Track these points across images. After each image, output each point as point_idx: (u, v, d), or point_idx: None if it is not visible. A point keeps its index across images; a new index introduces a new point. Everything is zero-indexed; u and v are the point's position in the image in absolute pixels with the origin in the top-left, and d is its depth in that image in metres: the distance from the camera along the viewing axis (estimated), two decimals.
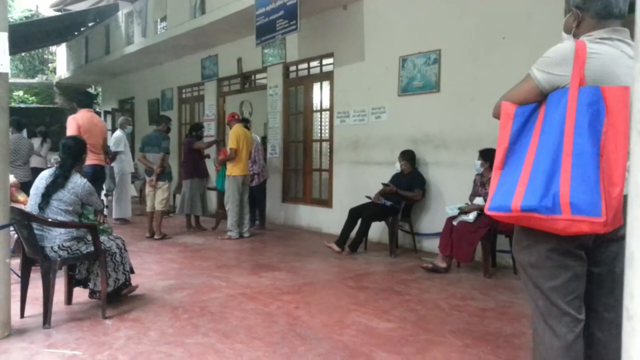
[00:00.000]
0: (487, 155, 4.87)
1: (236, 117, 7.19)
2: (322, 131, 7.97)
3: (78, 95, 6.43)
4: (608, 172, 1.54)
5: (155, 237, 6.80)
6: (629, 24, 1.60)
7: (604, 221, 1.51)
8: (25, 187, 5.48)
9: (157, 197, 6.85)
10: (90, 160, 5.45)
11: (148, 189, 6.99)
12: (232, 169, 6.85)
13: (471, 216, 4.83)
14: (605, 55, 1.67)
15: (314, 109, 8.03)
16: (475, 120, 5.46)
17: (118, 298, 3.84)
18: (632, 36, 1.04)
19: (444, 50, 5.92)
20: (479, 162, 5.03)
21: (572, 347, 1.75)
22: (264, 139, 8.66)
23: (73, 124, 5.71)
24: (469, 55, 5.66)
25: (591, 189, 1.53)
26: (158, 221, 6.84)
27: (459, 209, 5.01)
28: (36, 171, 4.97)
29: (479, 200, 4.92)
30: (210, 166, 8.19)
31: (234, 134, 6.85)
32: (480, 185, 5.06)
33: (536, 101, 1.73)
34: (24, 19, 19.41)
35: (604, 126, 1.56)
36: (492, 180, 1.77)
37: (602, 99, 1.57)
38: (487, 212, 1.74)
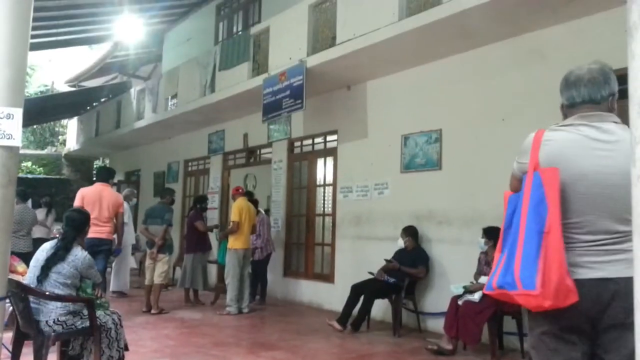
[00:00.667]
0: (491, 234, 4.85)
1: (240, 190, 7.26)
2: (325, 205, 8.00)
3: (97, 170, 6.43)
4: (550, 248, 1.66)
5: (153, 311, 6.64)
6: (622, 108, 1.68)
7: (539, 293, 1.62)
8: (26, 258, 5.43)
9: (157, 270, 6.76)
10: (96, 233, 5.42)
11: (148, 262, 6.92)
12: (234, 242, 6.81)
13: (477, 296, 4.73)
14: (559, 141, 1.80)
15: (318, 183, 8.12)
16: (477, 197, 5.50)
17: None
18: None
19: (445, 130, 6.07)
20: (482, 240, 4.99)
21: None
22: (267, 212, 8.69)
23: (79, 195, 5.85)
24: (470, 135, 5.79)
25: (530, 264, 1.66)
26: (156, 295, 6.71)
27: (464, 287, 4.91)
28: (40, 241, 4.96)
29: (484, 279, 4.83)
30: (212, 238, 8.15)
31: (237, 207, 6.88)
32: (485, 264, 4.99)
33: (520, 189, 1.86)
34: (39, 93, 20.17)
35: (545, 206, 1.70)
36: (494, 262, 1.86)
37: (542, 182, 1.73)
38: (484, 291, 1.88)
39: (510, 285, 1.69)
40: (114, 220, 5.96)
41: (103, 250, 5.71)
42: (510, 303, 1.93)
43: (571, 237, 1.76)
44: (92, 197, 5.81)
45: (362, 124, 7.15)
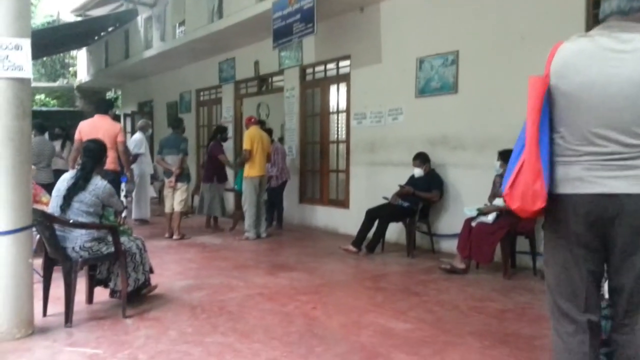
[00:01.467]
0: (506, 156, 4.80)
1: (253, 120, 7.24)
2: (339, 133, 7.97)
3: (96, 102, 6.35)
4: (525, 153, 1.75)
5: (174, 237, 6.87)
6: None
7: (507, 194, 1.78)
8: (47, 188, 5.57)
9: (176, 198, 6.93)
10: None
11: (167, 190, 7.08)
12: (249, 171, 6.89)
13: (490, 217, 4.79)
14: (567, 51, 1.79)
15: (331, 110, 8.04)
16: (494, 121, 5.41)
17: (138, 297, 3.88)
18: None
19: (462, 51, 5.88)
20: (498, 163, 4.98)
21: (571, 347, 1.76)
22: (281, 140, 8.70)
23: (77, 128, 5.88)
24: (487, 56, 5.61)
25: (510, 168, 1.80)
26: (177, 222, 6.92)
27: (478, 210, 4.97)
28: (59, 173, 5.05)
29: (498, 202, 4.87)
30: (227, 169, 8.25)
31: (249, 136, 6.90)
32: (500, 187, 5.00)
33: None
34: (45, 24, 19.80)
35: None
36: None
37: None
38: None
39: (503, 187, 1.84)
40: (117, 150, 5.92)
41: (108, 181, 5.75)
42: (524, 223, 2.00)
43: (576, 149, 1.73)
44: (88, 129, 5.81)
45: (376, 48, 6.95)
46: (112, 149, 5.80)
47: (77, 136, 5.79)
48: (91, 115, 6.22)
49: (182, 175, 6.96)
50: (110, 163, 5.72)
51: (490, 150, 5.32)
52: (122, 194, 7.67)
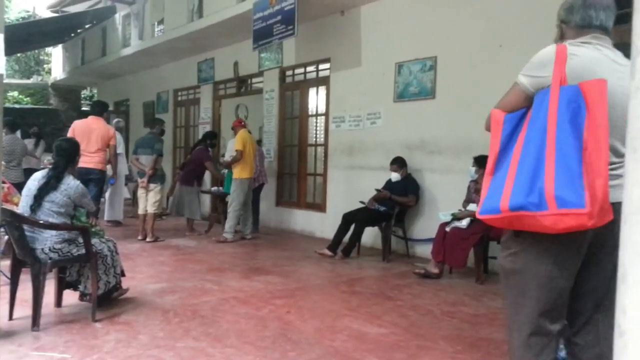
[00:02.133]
0: (481, 162, 4.88)
1: (242, 123, 7.21)
2: (318, 136, 7.97)
3: (91, 104, 6.58)
4: (591, 165, 1.55)
5: (148, 239, 6.77)
6: (622, 35, 1.63)
7: (589, 212, 1.51)
8: (17, 188, 5.45)
9: (150, 200, 6.82)
10: (84, 163, 5.47)
11: (140, 192, 6.97)
12: (241, 172, 6.88)
13: (464, 222, 4.84)
14: (585, 56, 1.73)
15: (310, 113, 8.04)
16: (470, 126, 5.48)
17: (108, 301, 3.80)
18: (628, 44, 1.05)
19: (440, 57, 5.95)
20: (473, 169, 5.04)
21: (543, 357, 1.76)
22: (259, 143, 8.66)
23: (71, 128, 6.12)
24: (466, 62, 5.68)
25: (574, 181, 1.54)
26: (150, 224, 6.81)
27: (452, 215, 5.02)
28: (30, 172, 4.96)
29: (472, 207, 4.93)
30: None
31: (241, 138, 6.90)
32: (475, 192, 5.06)
33: (524, 107, 1.77)
34: (20, 19, 19.37)
35: (585, 121, 1.59)
36: (483, 186, 1.78)
37: (581, 95, 1.60)
38: (478, 216, 1.75)
39: (535, 206, 1.56)
40: (107, 152, 6.18)
41: (93, 179, 5.94)
42: (497, 229, 1.90)
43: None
44: (81, 129, 6.03)
45: (356, 51, 6.98)
46: (102, 150, 6.14)
47: (70, 134, 5.88)
48: (66, 114, 6.24)
49: (156, 176, 6.84)
50: (98, 163, 6.08)
51: (466, 155, 5.38)
52: (107, 194, 7.61)
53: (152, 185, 6.81)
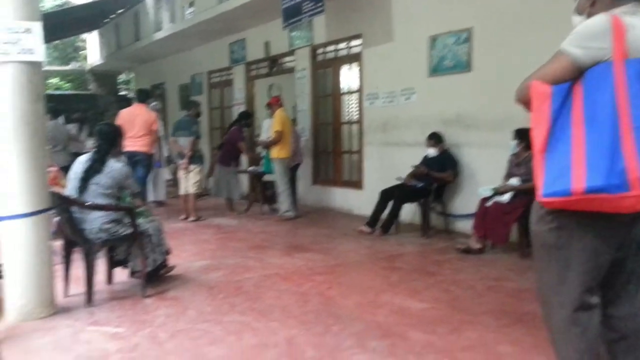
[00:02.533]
0: (523, 135, 4.75)
1: (279, 101, 7.24)
2: (351, 113, 7.92)
3: (136, 92, 7.35)
4: None
5: (190, 219, 6.94)
6: None
7: None
8: (65, 171, 5.65)
9: (190, 180, 6.98)
10: (130, 147, 6.23)
11: (180, 173, 7.12)
12: (280, 152, 6.95)
13: (506, 197, 4.76)
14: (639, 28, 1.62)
15: (343, 91, 7.98)
16: (508, 99, 5.23)
17: (157, 278, 3.94)
18: None
19: (475, 29, 5.78)
20: (514, 142, 4.92)
21: (587, 330, 1.75)
22: (293, 122, 8.67)
23: (118, 116, 6.69)
24: (502, 33, 5.50)
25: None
26: (191, 204, 6.98)
27: (493, 190, 4.93)
28: (76, 156, 5.15)
29: (513, 181, 4.83)
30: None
31: (279, 117, 6.96)
32: (515, 166, 4.96)
33: (571, 79, 1.66)
34: (55, 7, 19.79)
35: None
36: (536, 165, 1.67)
37: None
38: (541, 199, 1.65)
39: (617, 187, 1.48)
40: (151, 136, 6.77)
41: (139, 161, 6.45)
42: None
43: None
44: (126, 117, 6.61)
45: (388, 26, 6.85)
46: (146, 135, 6.71)
47: (117, 122, 6.33)
48: (105, 99, 6.51)
49: (195, 158, 7.00)
50: (143, 146, 6.64)
51: (504, 129, 5.25)
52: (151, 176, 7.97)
53: (191, 167, 6.96)
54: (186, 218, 6.98)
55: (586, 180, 1.52)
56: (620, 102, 1.52)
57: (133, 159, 6.38)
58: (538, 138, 1.66)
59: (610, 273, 1.79)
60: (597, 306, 1.77)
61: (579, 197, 1.55)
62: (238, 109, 10.02)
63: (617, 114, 1.53)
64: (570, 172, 1.56)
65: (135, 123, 6.54)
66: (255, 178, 8.16)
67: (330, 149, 8.20)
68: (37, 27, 3.13)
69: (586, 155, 1.55)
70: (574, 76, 1.66)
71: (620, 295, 1.82)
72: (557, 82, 1.66)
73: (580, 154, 1.56)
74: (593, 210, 1.63)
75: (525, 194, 4.51)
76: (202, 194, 8.04)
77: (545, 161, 1.64)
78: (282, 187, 6.99)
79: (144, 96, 7.17)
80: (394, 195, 5.85)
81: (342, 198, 7.83)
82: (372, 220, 5.91)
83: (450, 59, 6.09)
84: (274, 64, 9.54)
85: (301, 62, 8.51)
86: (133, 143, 6.37)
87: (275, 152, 6.97)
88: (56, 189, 4.18)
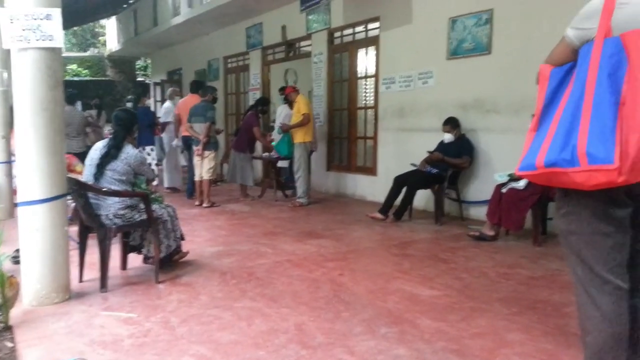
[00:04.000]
0: None
1: (296, 89, 7.24)
2: (367, 98, 7.86)
3: (190, 83, 8.44)
4: (627, 120, 1.49)
5: (204, 205, 6.99)
6: None
7: (618, 168, 1.46)
8: (80, 157, 5.72)
9: (205, 166, 7.00)
10: (185, 132, 7.39)
11: (196, 159, 7.15)
12: (305, 136, 6.96)
13: (522, 183, 4.68)
14: (635, 4, 1.58)
15: (359, 75, 7.91)
16: (529, 83, 5.14)
17: (170, 263, 3.99)
18: None
19: (496, 10, 5.65)
20: None
21: (613, 318, 1.70)
22: None
23: (175, 107, 8.08)
24: (523, 14, 5.38)
25: (606, 137, 1.49)
26: (206, 190, 7.02)
27: (509, 176, 4.86)
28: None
29: None
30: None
31: (304, 101, 6.99)
32: None
33: (571, 60, 1.69)
34: None
35: (625, 74, 1.50)
36: (526, 142, 1.73)
37: (623, 49, 1.51)
38: (516, 172, 1.74)
39: (567, 162, 1.55)
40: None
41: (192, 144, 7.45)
42: (555, 188, 1.83)
43: None
44: (182, 105, 7.73)
45: (406, 7, 6.74)
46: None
47: (175, 111, 7.98)
48: (122, 85, 6.62)
49: (210, 144, 7.00)
50: (185, 131, 7.49)
51: (525, 113, 5.15)
52: (164, 162, 8.19)
53: (206, 152, 6.97)
54: (200, 204, 7.04)
55: (545, 155, 1.60)
56: (589, 81, 1.56)
57: (187, 143, 7.45)
58: (534, 117, 1.74)
59: (635, 259, 1.74)
60: (624, 290, 1.71)
61: (541, 171, 1.62)
62: (254, 94, 10.03)
63: (583, 92, 1.56)
64: (539, 148, 1.64)
65: (187, 111, 7.25)
66: (270, 164, 8.18)
67: (345, 135, 8.16)
68: (57, 13, 3.15)
69: (554, 132, 1.62)
70: (573, 58, 1.69)
71: None
72: (560, 64, 1.73)
73: (552, 132, 1.63)
74: (562, 186, 1.68)
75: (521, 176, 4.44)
76: (216, 180, 8.09)
77: (532, 138, 1.71)
78: (300, 172, 6.98)
79: (195, 86, 7.87)
80: (408, 182, 5.81)
81: (355, 184, 7.80)
82: (386, 207, 5.88)
83: (470, 41, 5.97)
84: (290, 49, 9.49)
85: (318, 46, 8.45)
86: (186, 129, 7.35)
87: (300, 137, 6.95)
88: (72, 175, 4.25)
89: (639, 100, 1.48)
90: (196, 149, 7.04)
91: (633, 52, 1.50)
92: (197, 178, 7.16)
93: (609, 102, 1.51)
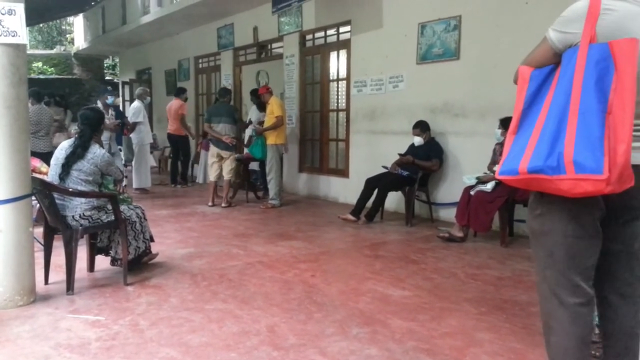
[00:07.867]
0: (507, 124, 4.76)
1: (269, 90, 7.20)
2: (339, 101, 7.90)
3: (175, 89, 9.79)
4: (614, 130, 1.49)
5: (223, 204, 7.00)
6: None
7: (606, 179, 1.47)
8: (46, 158, 5.57)
9: (226, 168, 7.02)
10: (169, 130, 9.05)
11: (212, 160, 7.12)
12: (277, 138, 6.95)
13: (489, 186, 4.79)
14: (620, 11, 1.59)
15: (331, 78, 7.94)
16: (496, 88, 5.34)
17: (139, 265, 3.92)
18: None
19: (464, 16, 5.77)
20: (499, 131, 4.94)
21: (579, 317, 1.74)
22: None
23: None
24: (491, 21, 5.50)
25: (594, 146, 1.48)
26: (226, 190, 7.07)
27: (477, 178, 4.96)
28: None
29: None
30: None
31: (277, 103, 6.96)
32: (500, 155, 4.98)
33: (552, 63, 1.69)
34: None
35: (612, 83, 1.51)
36: (505, 145, 1.73)
37: (610, 56, 1.52)
38: (497, 176, 1.73)
39: (553, 170, 1.52)
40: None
41: (177, 142, 9.05)
42: (522, 192, 1.87)
43: None
44: (167, 108, 9.12)
45: (377, 12, 6.81)
46: (177, 120, 8.91)
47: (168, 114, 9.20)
48: (90, 84, 6.52)
49: (234, 145, 7.05)
50: (175, 130, 8.98)
51: (491, 117, 5.28)
52: (133, 162, 8.03)
53: (228, 153, 6.98)
54: (213, 205, 7.02)
55: (529, 161, 1.58)
56: (575, 87, 1.55)
57: (171, 139, 9.04)
58: (513, 120, 1.72)
59: (605, 262, 1.78)
60: (590, 294, 1.75)
61: (524, 177, 1.60)
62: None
63: (569, 99, 1.56)
64: (522, 153, 1.61)
65: (171, 113, 8.84)
66: (242, 165, 8.12)
67: (317, 137, 8.18)
68: (20, 9, 3.06)
69: (538, 138, 1.60)
70: (555, 61, 1.69)
71: (617, 287, 1.80)
72: (540, 66, 1.71)
73: (535, 137, 1.61)
74: (544, 191, 1.68)
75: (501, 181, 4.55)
76: (187, 181, 7.99)
77: (512, 142, 1.70)
78: (273, 174, 6.98)
79: (176, 91, 9.26)
80: (379, 184, 5.86)
81: (327, 186, 7.83)
82: (357, 209, 5.92)
83: (439, 46, 6.07)
84: (262, 50, 9.46)
85: (290, 48, 8.45)
86: (170, 127, 8.97)
87: (273, 138, 6.94)
88: (37, 176, 4.13)
89: (627, 110, 1.49)
90: (229, 154, 6.99)
91: (621, 60, 1.50)
92: (212, 179, 7.13)
93: (596, 110, 1.50)
